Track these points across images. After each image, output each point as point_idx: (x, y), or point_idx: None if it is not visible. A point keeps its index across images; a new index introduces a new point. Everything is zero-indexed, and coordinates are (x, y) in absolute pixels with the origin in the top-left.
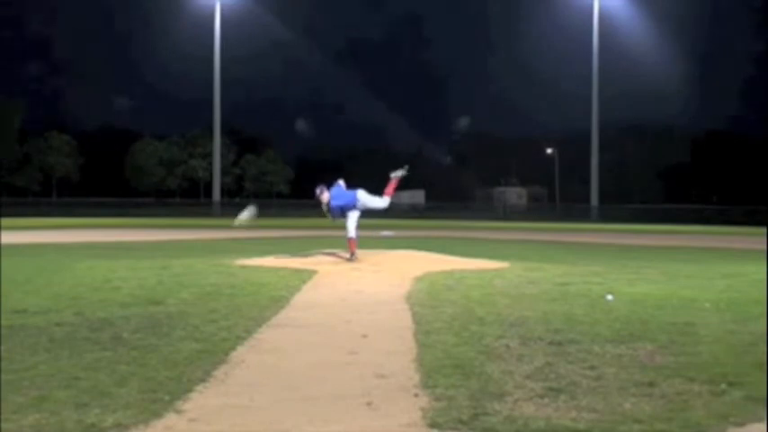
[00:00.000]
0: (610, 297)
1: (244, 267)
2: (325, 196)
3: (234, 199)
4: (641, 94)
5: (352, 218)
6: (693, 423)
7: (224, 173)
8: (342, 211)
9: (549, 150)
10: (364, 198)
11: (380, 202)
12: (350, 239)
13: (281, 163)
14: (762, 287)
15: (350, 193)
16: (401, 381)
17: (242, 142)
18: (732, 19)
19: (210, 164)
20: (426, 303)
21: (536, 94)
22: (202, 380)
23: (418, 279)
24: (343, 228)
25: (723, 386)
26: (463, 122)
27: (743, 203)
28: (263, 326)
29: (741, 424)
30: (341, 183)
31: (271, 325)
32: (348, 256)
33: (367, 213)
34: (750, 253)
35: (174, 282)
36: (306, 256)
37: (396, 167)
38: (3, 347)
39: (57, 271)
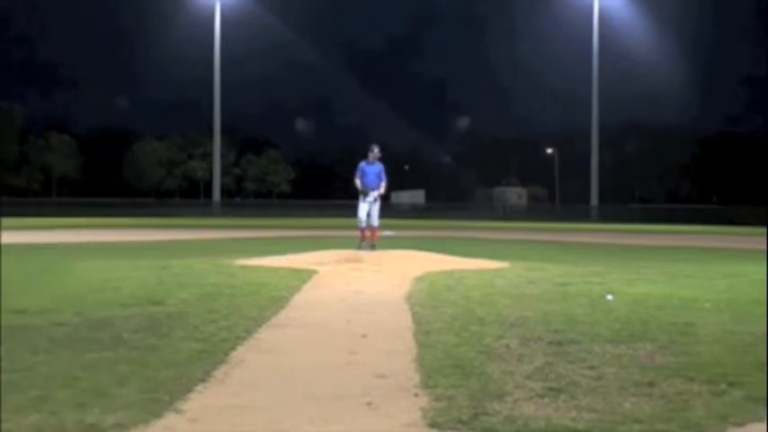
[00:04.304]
0: (610, 297)
1: (244, 267)
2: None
3: (234, 199)
4: (641, 93)
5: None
6: (693, 423)
7: (224, 173)
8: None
9: (549, 150)
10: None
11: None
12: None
13: (282, 163)
14: (762, 287)
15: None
16: (401, 381)
17: (242, 142)
18: (733, 19)
19: (210, 164)
20: (426, 303)
21: (536, 93)
22: (202, 380)
23: (418, 279)
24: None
25: (723, 386)
26: (463, 122)
27: (743, 203)
28: (263, 326)
29: (741, 424)
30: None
31: (271, 325)
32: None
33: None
34: (750, 253)
35: (174, 282)
36: (306, 255)
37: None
38: (3, 347)
39: (57, 271)
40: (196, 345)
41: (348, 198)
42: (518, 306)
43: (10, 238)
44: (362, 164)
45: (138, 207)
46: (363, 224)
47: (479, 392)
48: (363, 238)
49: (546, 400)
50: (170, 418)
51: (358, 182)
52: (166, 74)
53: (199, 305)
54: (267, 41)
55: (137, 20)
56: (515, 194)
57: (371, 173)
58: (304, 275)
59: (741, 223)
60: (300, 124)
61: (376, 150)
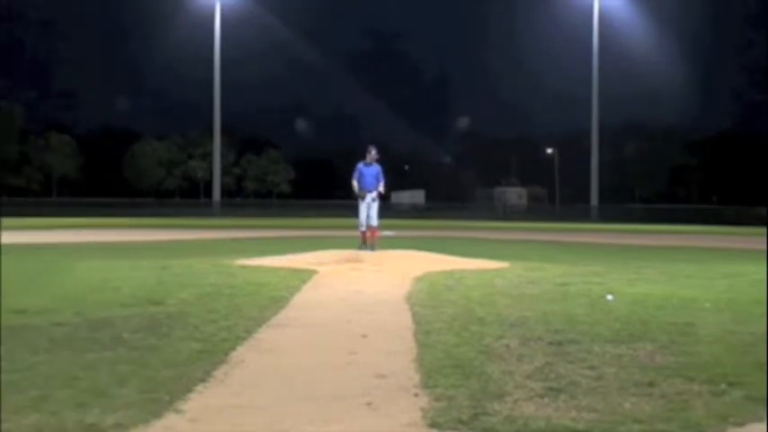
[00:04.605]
0: (610, 297)
1: (244, 267)
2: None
3: (234, 199)
4: (641, 94)
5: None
6: (693, 423)
7: (224, 173)
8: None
9: (549, 150)
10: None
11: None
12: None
13: (282, 163)
14: (762, 287)
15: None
16: (401, 381)
17: (242, 142)
18: (733, 19)
19: (210, 164)
20: (426, 303)
21: (536, 94)
22: (202, 380)
23: (418, 279)
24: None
25: (723, 386)
26: (463, 122)
27: (743, 204)
28: (263, 326)
29: (741, 424)
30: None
31: (271, 325)
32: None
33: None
34: (750, 253)
35: (174, 282)
36: (306, 255)
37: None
38: (3, 347)
39: (57, 271)
40: (196, 345)
41: (348, 198)
42: (518, 306)
43: (10, 238)
44: (360, 165)
45: (138, 207)
46: (364, 228)
47: (479, 392)
48: (364, 240)
49: (546, 400)
50: (170, 418)
51: (355, 184)
52: (166, 74)
53: (199, 305)
54: (267, 41)
55: (137, 20)
56: (515, 194)
57: (369, 174)
58: (304, 275)
59: (741, 223)
60: (300, 124)
61: (374, 152)
